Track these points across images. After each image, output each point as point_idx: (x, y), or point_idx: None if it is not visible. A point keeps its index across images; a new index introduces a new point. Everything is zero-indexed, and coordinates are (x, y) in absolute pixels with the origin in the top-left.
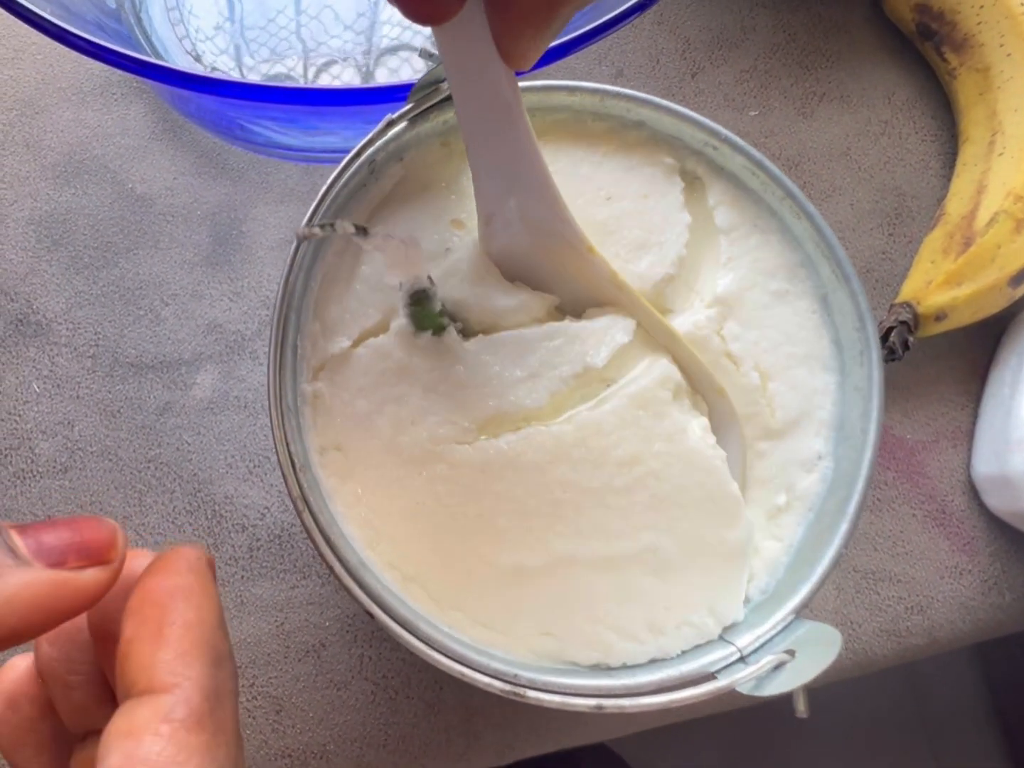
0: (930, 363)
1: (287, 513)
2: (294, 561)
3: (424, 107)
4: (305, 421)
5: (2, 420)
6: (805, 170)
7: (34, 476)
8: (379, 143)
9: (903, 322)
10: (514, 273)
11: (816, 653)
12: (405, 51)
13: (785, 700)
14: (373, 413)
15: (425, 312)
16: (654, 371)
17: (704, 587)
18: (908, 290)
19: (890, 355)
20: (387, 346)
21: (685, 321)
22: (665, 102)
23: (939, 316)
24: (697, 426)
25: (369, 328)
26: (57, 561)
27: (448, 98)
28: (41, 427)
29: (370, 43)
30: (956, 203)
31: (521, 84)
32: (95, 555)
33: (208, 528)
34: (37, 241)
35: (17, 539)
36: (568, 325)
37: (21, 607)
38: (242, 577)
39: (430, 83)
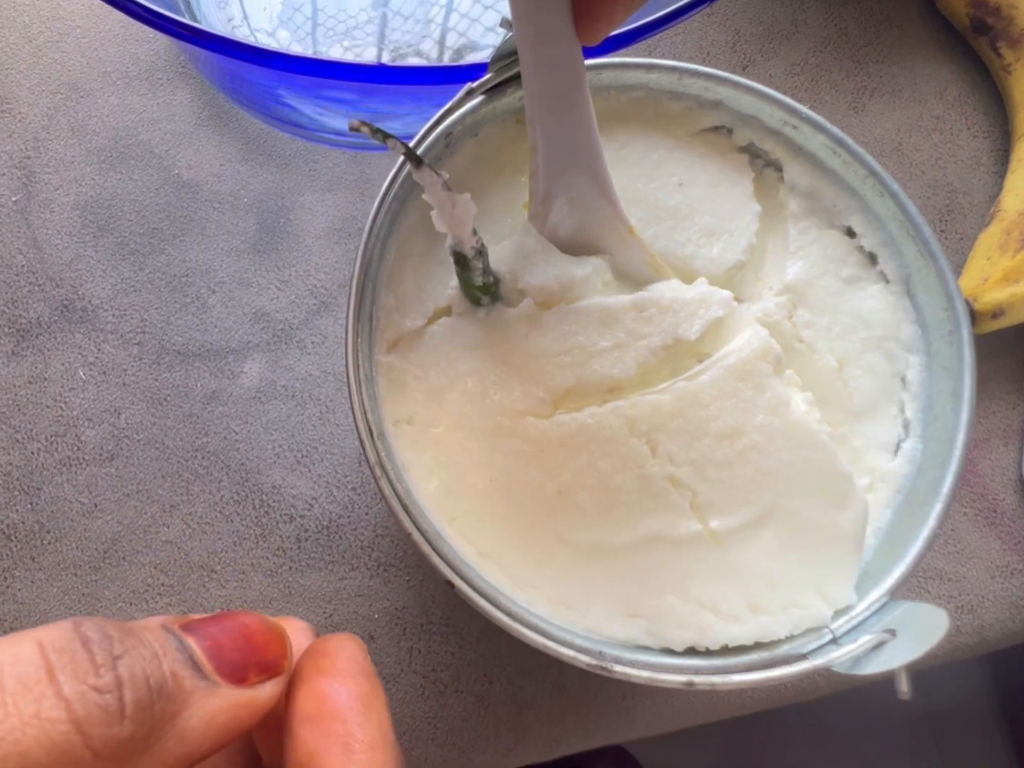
0: (982, 361)
1: (335, 504)
2: (342, 553)
3: (503, 77)
4: (379, 392)
5: (48, 407)
6: None
7: (80, 463)
8: (456, 115)
9: None
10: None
11: (919, 632)
12: (476, 51)
13: (793, 706)
14: (446, 388)
15: (464, 278)
16: (753, 343)
17: (813, 567)
18: (963, 286)
19: None
20: (459, 324)
21: (755, 309)
22: (745, 80)
23: (996, 313)
24: (801, 400)
25: (442, 307)
26: (240, 678)
27: None
28: (87, 414)
29: (443, 37)
30: (1012, 199)
31: (599, 60)
32: (272, 667)
33: (256, 518)
34: (83, 227)
35: (195, 648)
36: (660, 296)
37: (215, 732)
38: (290, 568)
39: (510, 52)
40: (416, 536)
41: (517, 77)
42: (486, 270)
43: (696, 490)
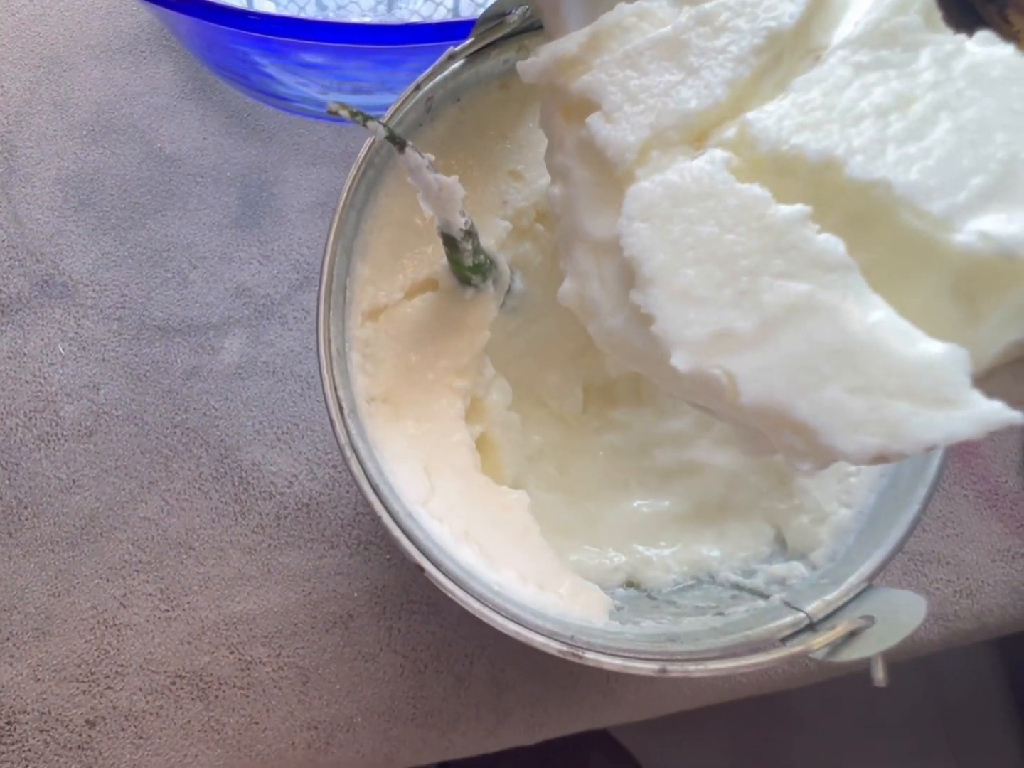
0: None
1: (315, 482)
2: (322, 530)
3: (487, 41)
4: (352, 367)
5: (27, 382)
6: None
7: (59, 439)
8: (437, 79)
9: None
10: None
11: (897, 620)
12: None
13: (797, 693)
14: (425, 367)
15: (453, 259)
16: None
17: None
18: None
19: None
20: (443, 302)
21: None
22: None
23: None
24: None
25: (421, 280)
26: None
27: (510, 35)
28: (66, 390)
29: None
30: None
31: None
32: None
33: (235, 495)
34: (64, 201)
35: None
36: None
37: None
38: (269, 546)
39: (495, 15)
40: (386, 519)
41: (499, 42)
42: (476, 251)
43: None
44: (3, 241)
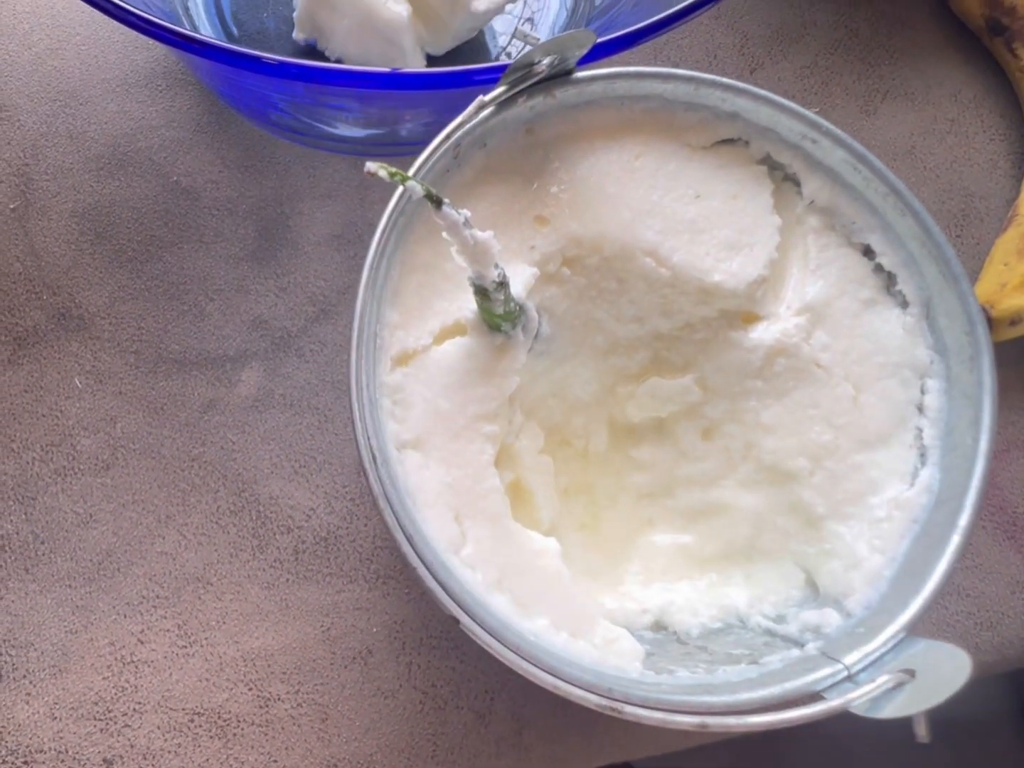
0: (1000, 370)
1: (333, 515)
2: (340, 564)
3: (516, 90)
4: (383, 413)
5: (44, 416)
6: None
7: (75, 473)
8: (465, 127)
9: None
10: None
11: (940, 674)
12: None
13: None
14: (455, 412)
15: (484, 307)
16: None
17: None
18: (980, 292)
19: None
20: (473, 347)
21: (774, 331)
22: (763, 91)
23: (1014, 320)
24: None
25: (449, 326)
26: None
27: (539, 82)
28: (83, 423)
29: None
30: None
31: (613, 69)
32: None
33: (253, 529)
34: (80, 234)
35: None
36: None
37: None
38: (287, 580)
39: (524, 65)
40: (421, 571)
41: (527, 89)
42: (507, 300)
43: None
44: (20, 274)
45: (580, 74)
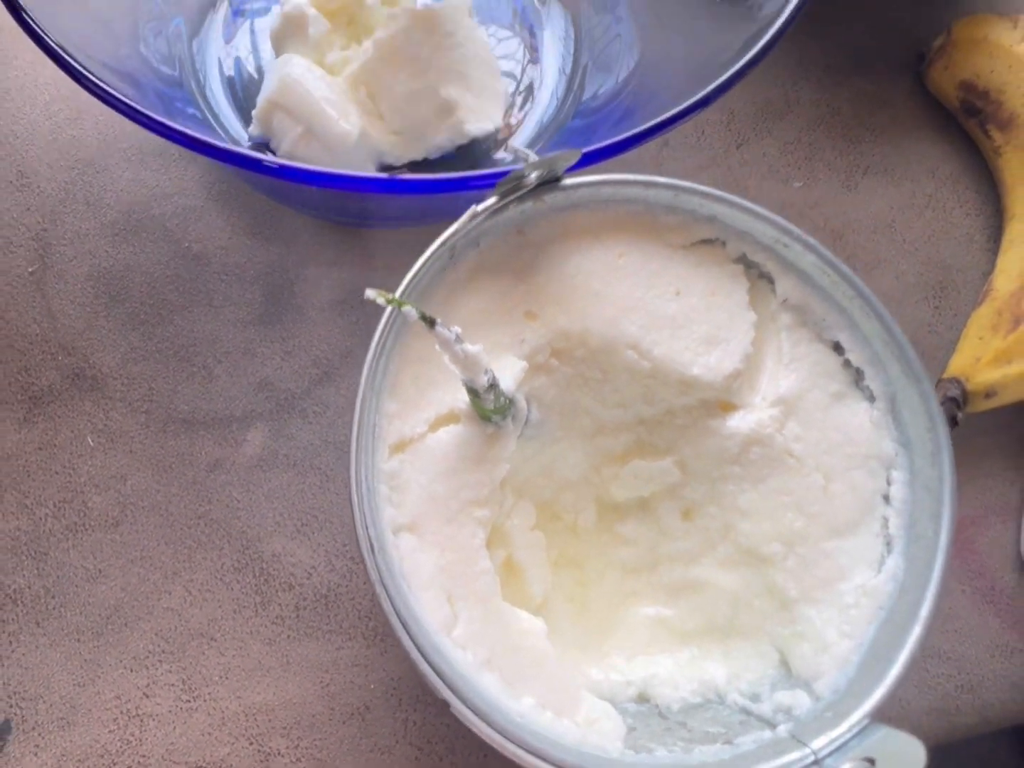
0: (978, 437)
1: (333, 573)
2: (340, 622)
3: (508, 199)
4: (380, 499)
5: (57, 473)
6: (850, 242)
7: (86, 529)
8: (460, 233)
9: (952, 398)
10: None
11: (899, 763)
12: None
13: None
14: (449, 498)
15: (475, 403)
16: None
17: None
18: (956, 366)
19: None
20: (466, 434)
21: (749, 420)
22: (738, 199)
23: (989, 393)
24: None
25: (444, 415)
26: None
27: (531, 191)
28: (94, 480)
29: None
30: (1004, 280)
31: (599, 177)
32: None
33: (256, 586)
34: (95, 297)
35: None
36: None
37: None
38: (288, 637)
39: (516, 179)
40: (415, 655)
41: (519, 197)
42: (497, 397)
43: None
44: (37, 335)
45: (567, 181)
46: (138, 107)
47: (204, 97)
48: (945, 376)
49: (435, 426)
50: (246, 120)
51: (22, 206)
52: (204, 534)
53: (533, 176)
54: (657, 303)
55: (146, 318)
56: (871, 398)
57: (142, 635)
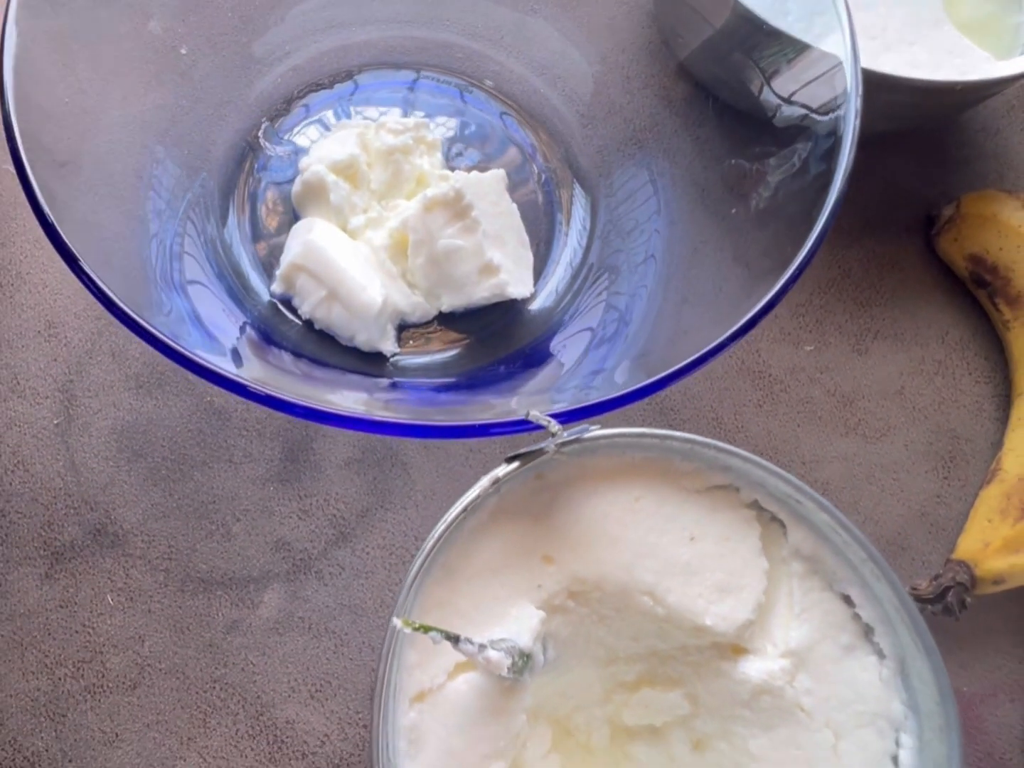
0: (986, 613)
1: (346, 742)
2: None
3: (528, 464)
4: (399, 756)
5: (76, 632)
6: (860, 407)
7: (104, 691)
8: (483, 496)
9: (960, 583)
10: None
11: None
12: None
13: None
14: (466, 751)
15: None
16: None
17: None
18: (965, 548)
19: (946, 613)
20: (481, 684)
21: (760, 669)
22: (752, 456)
23: (997, 581)
24: None
25: (463, 662)
26: None
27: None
28: (113, 641)
29: None
30: (1012, 460)
31: (617, 430)
32: None
33: (269, 754)
34: (118, 451)
35: None
36: None
37: None
38: None
39: (535, 451)
40: None
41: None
42: (516, 665)
43: None
44: (60, 489)
45: (586, 434)
46: (150, 328)
47: (228, 250)
48: (954, 557)
49: (454, 674)
50: (267, 273)
51: (49, 356)
52: (220, 698)
53: (551, 447)
54: (672, 548)
55: (167, 473)
56: (881, 654)
57: None
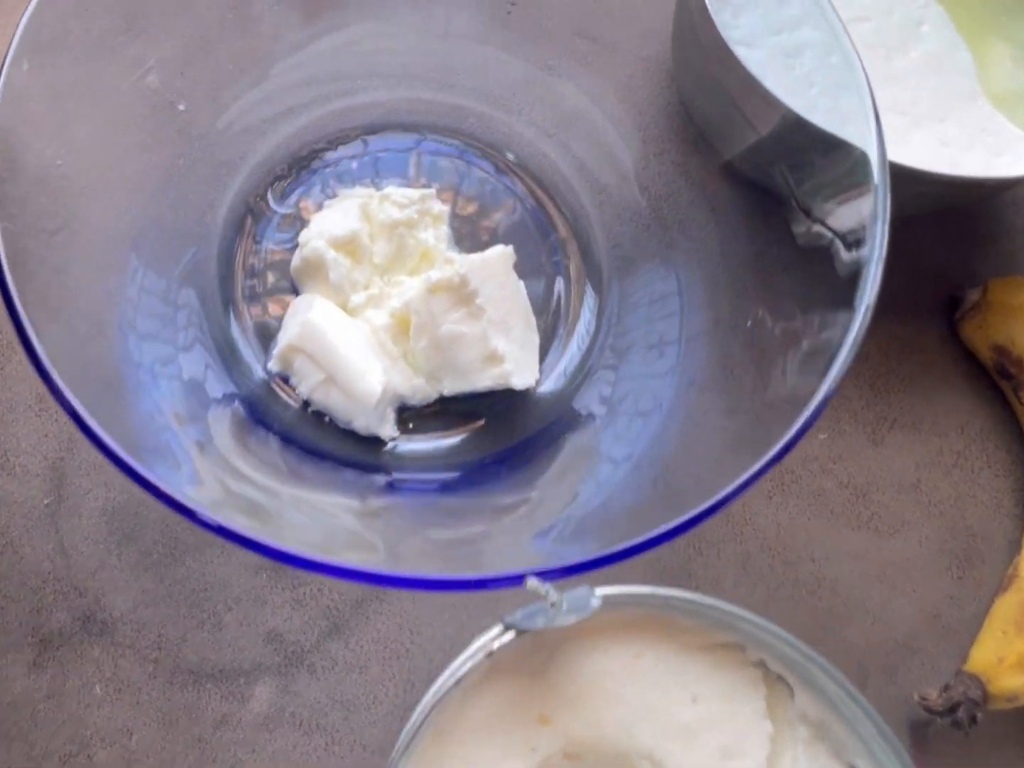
0: (996, 724)
1: None
2: None
3: (525, 633)
4: None
5: (64, 723)
6: (874, 500)
7: None
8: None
9: (972, 699)
10: None
11: None
12: None
13: None
14: None
15: None
16: None
17: None
18: (978, 661)
19: (956, 727)
20: None
21: None
22: (760, 619)
23: (1010, 698)
24: None
25: None
26: None
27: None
28: (100, 733)
29: None
30: None
31: (618, 589)
32: None
33: None
34: (108, 534)
35: None
36: None
37: None
38: None
39: (527, 629)
40: None
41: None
42: None
43: None
44: (49, 573)
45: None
46: (141, 472)
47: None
48: (966, 669)
49: None
50: (263, 345)
51: (40, 432)
52: None
53: (552, 620)
54: (673, 709)
55: (159, 558)
56: None
57: None
